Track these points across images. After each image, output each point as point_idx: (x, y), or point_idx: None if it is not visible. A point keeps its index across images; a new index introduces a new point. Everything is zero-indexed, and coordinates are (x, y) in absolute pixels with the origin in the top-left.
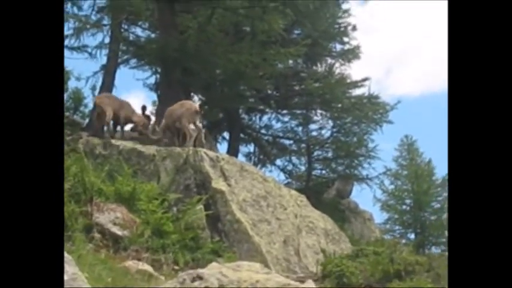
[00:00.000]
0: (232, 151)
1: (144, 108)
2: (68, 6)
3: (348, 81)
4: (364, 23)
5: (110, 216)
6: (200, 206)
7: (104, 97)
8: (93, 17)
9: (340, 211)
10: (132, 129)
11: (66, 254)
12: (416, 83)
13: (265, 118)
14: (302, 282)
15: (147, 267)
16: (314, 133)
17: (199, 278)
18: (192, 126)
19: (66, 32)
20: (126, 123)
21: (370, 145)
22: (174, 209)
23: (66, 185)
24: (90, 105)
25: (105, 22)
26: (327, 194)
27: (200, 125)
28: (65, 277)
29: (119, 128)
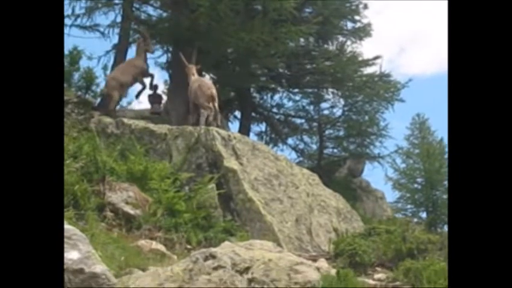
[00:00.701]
0: (244, 130)
1: (155, 87)
2: None
3: (360, 59)
4: (377, 2)
5: (123, 196)
6: (212, 185)
7: (111, 79)
8: None
9: (352, 190)
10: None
11: (80, 233)
12: (429, 63)
13: (276, 97)
14: (314, 260)
15: (160, 247)
16: (325, 112)
17: (212, 256)
18: (209, 105)
19: (77, 11)
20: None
21: (382, 124)
22: (186, 188)
23: (79, 164)
24: (102, 85)
25: (116, 1)
26: (338, 172)
27: (216, 106)
28: (79, 255)
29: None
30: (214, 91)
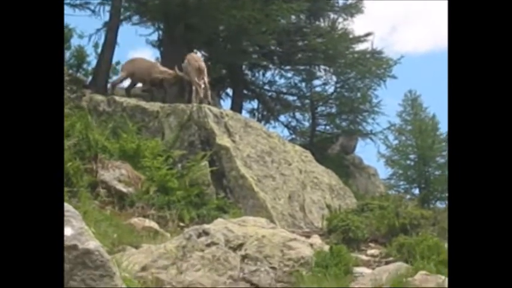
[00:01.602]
0: (236, 107)
1: None
2: None
3: (351, 36)
4: None
5: (115, 173)
6: (205, 163)
7: (127, 62)
8: None
9: (345, 166)
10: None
11: (72, 209)
12: (422, 41)
13: (268, 74)
14: (308, 237)
15: (153, 224)
16: (318, 89)
17: (205, 233)
18: (199, 82)
19: None
20: (155, 84)
21: (374, 100)
22: (179, 165)
23: (71, 142)
24: (93, 63)
25: None
26: (331, 149)
27: (206, 81)
28: (72, 231)
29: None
30: (202, 63)
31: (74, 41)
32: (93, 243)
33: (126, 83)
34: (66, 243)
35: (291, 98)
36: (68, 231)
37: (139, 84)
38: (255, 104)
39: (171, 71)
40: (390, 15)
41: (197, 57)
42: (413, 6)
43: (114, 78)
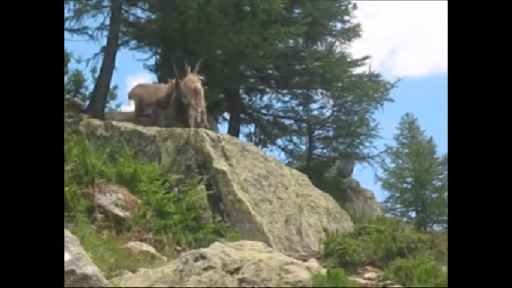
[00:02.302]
0: (233, 131)
1: None
2: None
3: (348, 60)
4: (368, 4)
5: (112, 198)
6: (202, 186)
7: (135, 88)
8: None
9: (342, 190)
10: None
11: (70, 234)
12: (420, 65)
13: (265, 98)
14: (305, 260)
15: (150, 248)
16: (315, 112)
17: (203, 257)
18: (196, 104)
19: (66, 14)
20: (162, 104)
21: (371, 124)
22: (176, 189)
23: (68, 167)
24: (91, 88)
25: (105, 4)
26: (328, 173)
27: (203, 104)
28: (70, 256)
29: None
30: (198, 85)
31: (72, 66)
32: (91, 268)
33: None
34: (65, 268)
35: (288, 121)
36: (66, 256)
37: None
38: (252, 128)
39: (169, 84)
40: (389, 40)
41: (194, 78)
42: (412, 30)
43: (132, 109)
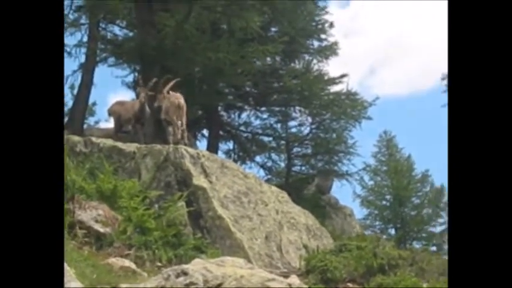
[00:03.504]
0: (212, 148)
1: None
2: None
3: (326, 78)
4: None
5: (92, 214)
6: (182, 203)
7: (113, 105)
8: (71, 16)
9: (321, 207)
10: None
11: None
12: (400, 84)
13: (244, 115)
14: (286, 277)
15: (130, 264)
16: (293, 130)
17: (184, 273)
18: (178, 122)
19: None
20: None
21: (350, 141)
22: (156, 206)
23: None
24: (69, 104)
25: (83, 21)
26: (307, 190)
27: (184, 121)
28: None
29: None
30: (182, 101)
31: None
32: (74, 284)
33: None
34: None
35: (266, 138)
36: None
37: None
38: (230, 144)
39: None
40: (368, 59)
41: (178, 95)
42: (391, 50)
43: (111, 126)
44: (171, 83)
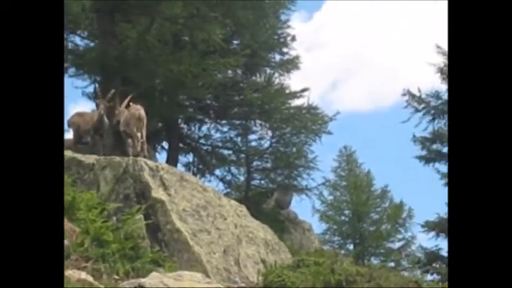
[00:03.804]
0: (171, 161)
1: None
2: None
3: (287, 91)
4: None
5: None
6: (140, 216)
7: (73, 117)
8: None
9: (280, 221)
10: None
11: None
12: (362, 99)
13: (204, 128)
14: None
15: (87, 277)
16: (253, 143)
17: (141, 287)
18: (138, 134)
19: None
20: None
21: (310, 156)
22: (114, 218)
23: None
24: None
25: None
26: (266, 204)
27: (144, 133)
28: None
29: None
30: (142, 112)
31: None
32: None
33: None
34: None
35: (226, 152)
36: None
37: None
38: (190, 157)
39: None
40: (331, 74)
41: (138, 106)
42: (354, 64)
43: (71, 137)
44: (127, 99)
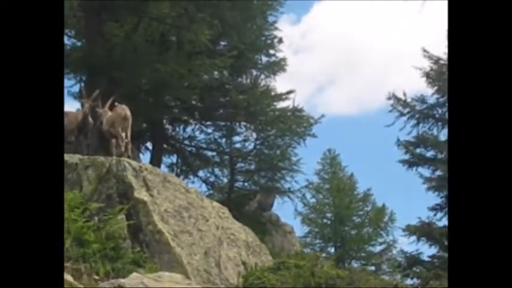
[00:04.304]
0: (155, 161)
1: None
2: None
3: (273, 93)
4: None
5: None
6: (122, 216)
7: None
8: None
9: (262, 224)
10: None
11: None
12: (348, 103)
13: (188, 129)
14: None
15: (68, 277)
16: (237, 145)
17: (121, 287)
18: (123, 134)
19: None
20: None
21: (293, 158)
22: (96, 218)
23: None
24: None
25: None
26: (248, 206)
27: (129, 133)
28: None
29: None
30: (128, 112)
31: None
32: None
33: None
34: None
35: (210, 153)
36: None
37: None
38: (174, 158)
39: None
40: (317, 76)
41: (124, 106)
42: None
43: None
44: (110, 100)
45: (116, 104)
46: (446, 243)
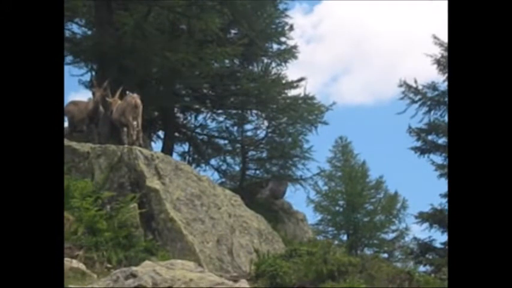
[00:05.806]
0: (167, 150)
1: None
2: None
3: (284, 81)
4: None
5: None
6: (134, 204)
7: (68, 105)
8: None
9: (274, 211)
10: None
11: None
12: (362, 92)
13: (200, 117)
14: (235, 281)
15: (80, 265)
16: (249, 133)
17: (133, 275)
18: (134, 122)
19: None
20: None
21: (305, 146)
22: (108, 206)
23: None
24: None
25: None
26: (260, 194)
27: (140, 122)
28: None
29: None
30: (138, 101)
31: None
32: None
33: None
34: None
35: (222, 141)
36: None
37: None
38: (186, 147)
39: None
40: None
41: (134, 95)
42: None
43: (65, 126)
44: (119, 90)
45: (127, 92)
46: None
